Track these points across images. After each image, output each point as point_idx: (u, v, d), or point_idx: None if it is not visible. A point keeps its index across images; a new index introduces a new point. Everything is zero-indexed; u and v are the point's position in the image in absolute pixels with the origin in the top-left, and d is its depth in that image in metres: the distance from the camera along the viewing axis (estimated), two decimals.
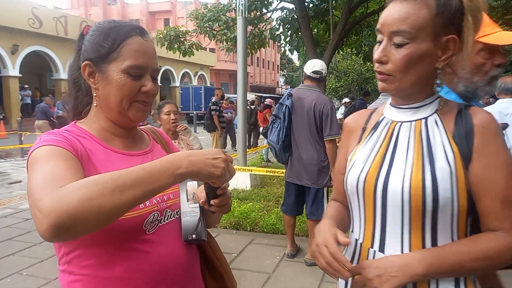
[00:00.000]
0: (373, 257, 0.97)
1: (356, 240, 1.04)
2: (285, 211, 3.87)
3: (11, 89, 17.76)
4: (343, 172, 1.10)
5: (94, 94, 1.01)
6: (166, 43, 9.50)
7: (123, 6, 38.68)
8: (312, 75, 3.67)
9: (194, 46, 9.86)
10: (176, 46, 9.63)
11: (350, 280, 1.02)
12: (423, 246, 0.93)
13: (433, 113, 0.98)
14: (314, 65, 3.70)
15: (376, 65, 0.97)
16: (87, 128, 1.02)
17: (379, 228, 0.98)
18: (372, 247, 0.99)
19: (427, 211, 0.90)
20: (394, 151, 0.99)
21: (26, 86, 18.76)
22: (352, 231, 1.09)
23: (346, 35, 8.84)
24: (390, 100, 1.08)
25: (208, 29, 9.70)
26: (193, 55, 10.19)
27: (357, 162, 1.04)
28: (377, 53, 0.96)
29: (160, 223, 1.00)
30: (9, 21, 16.38)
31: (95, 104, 1.02)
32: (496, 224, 0.90)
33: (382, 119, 1.07)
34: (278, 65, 59.07)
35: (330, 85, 24.91)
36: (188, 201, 1.05)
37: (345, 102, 12.21)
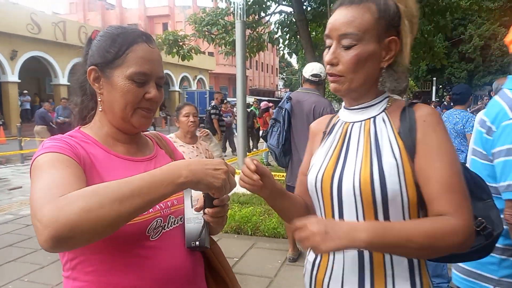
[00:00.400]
0: (334, 254, 1.04)
1: None
2: None
3: (10, 94, 17.76)
4: (306, 174, 1.17)
5: (99, 99, 1.01)
6: (164, 47, 9.50)
7: (121, 11, 38.77)
8: (311, 78, 3.67)
9: (193, 50, 9.87)
10: (175, 50, 9.64)
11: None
12: None
13: (381, 112, 1.06)
14: (313, 68, 3.70)
15: (328, 67, 1.03)
16: (91, 133, 1.03)
17: None
18: None
19: (377, 204, 0.96)
20: (347, 150, 1.06)
21: (26, 91, 18.76)
22: None
23: None
24: (344, 103, 1.15)
25: (206, 33, 9.71)
26: (192, 59, 10.20)
27: (315, 164, 1.11)
28: (328, 56, 1.02)
29: (164, 229, 1.00)
30: (8, 26, 16.40)
31: (100, 109, 1.02)
32: (440, 209, 0.92)
33: (337, 122, 1.16)
34: (277, 69, 59.16)
35: (329, 88, 24.97)
36: (192, 207, 1.05)
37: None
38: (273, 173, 4.58)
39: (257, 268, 3.73)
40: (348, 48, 0.98)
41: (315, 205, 1.13)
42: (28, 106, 19.11)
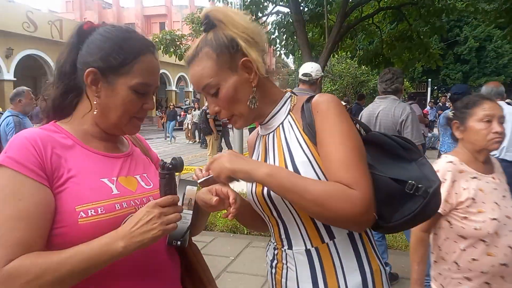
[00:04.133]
0: (286, 256, 1.08)
1: (273, 243, 1.16)
2: None
3: (6, 93, 17.64)
4: None
5: (95, 102, 0.98)
6: (162, 47, 9.51)
7: (118, 10, 38.65)
8: (302, 78, 3.68)
9: None
10: (172, 49, 9.64)
11: None
12: (320, 235, 1.02)
13: (286, 115, 1.10)
14: (304, 67, 3.71)
15: (219, 115, 1.08)
16: (68, 128, 0.99)
17: (282, 229, 1.08)
18: (283, 247, 1.09)
19: None
20: (268, 160, 1.10)
21: None
22: (270, 240, 1.20)
23: (341, 39, 8.90)
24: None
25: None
26: None
27: None
28: (210, 109, 1.09)
29: None
30: (3, 25, 16.31)
31: (95, 113, 0.99)
32: (339, 179, 0.94)
33: (258, 136, 1.22)
34: (273, 69, 59.14)
35: (325, 88, 25.01)
36: (183, 205, 1.03)
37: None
38: None
39: (252, 267, 3.74)
40: (215, 95, 1.03)
41: (263, 217, 1.17)
42: None
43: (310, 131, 1.03)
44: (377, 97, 3.41)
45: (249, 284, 3.41)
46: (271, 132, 1.13)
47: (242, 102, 1.04)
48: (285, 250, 1.08)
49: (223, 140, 11.98)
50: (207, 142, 9.65)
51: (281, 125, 1.10)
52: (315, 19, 8.98)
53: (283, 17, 9.39)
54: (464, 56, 29.42)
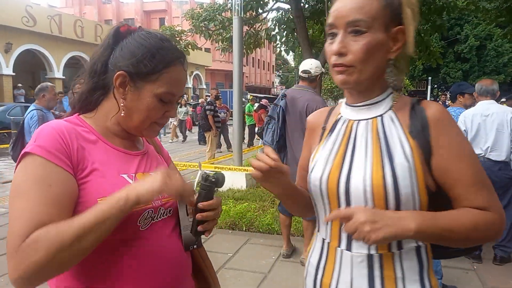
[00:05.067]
0: (341, 257, 0.99)
1: (323, 239, 1.06)
2: (281, 211, 3.88)
3: (5, 88, 17.60)
4: (306, 169, 1.13)
5: (122, 104, 1.01)
6: None
7: (118, 5, 38.50)
8: (301, 75, 3.69)
9: (189, 46, 9.85)
10: None
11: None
12: (388, 243, 0.95)
13: (388, 110, 1.01)
14: (303, 64, 3.71)
15: (334, 58, 0.96)
16: (91, 123, 1.02)
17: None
18: (339, 246, 1.00)
19: (389, 208, 0.92)
20: (353, 150, 1.00)
21: (20, 85, 18.60)
22: (318, 231, 1.11)
23: None
24: (345, 99, 1.10)
25: (203, 28, 9.69)
26: (188, 55, 10.11)
27: (318, 163, 1.05)
28: (335, 45, 0.95)
29: (153, 220, 1.01)
30: (2, 19, 16.23)
31: (122, 114, 1.01)
32: (471, 203, 0.93)
33: (339, 119, 1.09)
34: (273, 66, 59.10)
35: (325, 85, 24.97)
36: (188, 215, 1.07)
37: (341, 103, 12.23)
38: None
39: (251, 263, 3.74)
40: (358, 36, 0.92)
41: (318, 207, 1.08)
42: (22, 100, 18.96)
43: (421, 136, 0.94)
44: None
45: (248, 280, 3.41)
46: (363, 120, 1.02)
47: (372, 63, 0.94)
48: (341, 250, 0.99)
49: (221, 136, 12.00)
50: (206, 138, 9.64)
51: (380, 118, 1.00)
52: (315, 16, 8.93)
53: (283, 14, 9.35)
54: (465, 54, 29.40)
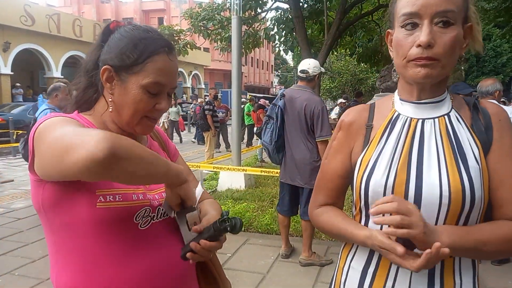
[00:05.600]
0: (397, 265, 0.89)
1: None
2: (280, 211, 3.88)
3: (3, 87, 17.55)
4: (344, 176, 1.05)
5: (110, 100, 1.00)
6: None
7: (116, 4, 38.44)
8: (300, 75, 3.69)
9: (188, 45, 9.84)
10: None
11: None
12: None
13: (451, 109, 0.96)
14: (302, 64, 3.71)
15: (417, 50, 0.87)
16: (90, 119, 1.02)
17: None
18: None
19: (464, 212, 0.88)
20: (420, 152, 0.93)
21: (18, 84, 18.55)
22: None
23: (340, 36, 8.88)
24: (395, 96, 1.03)
25: (202, 28, 9.68)
26: (187, 54, 10.17)
27: (379, 165, 0.95)
28: (424, 36, 0.86)
29: (153, 220, 1.00)
30: (0, 18, 16.18)
31: (110, 110, 1.00)
32: (511, 214, 0.89)
33: (397, 117, 1.00)
34: (272, 65, 59.08)
35: (324, 85, 25.00)
36: (190, 230, 1.02)
37: (340, 103, 12.26)
38: (267, 170, 4.58)
39: (249, 264, 3.74)
40: (446, 27, 0.86)
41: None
42: (20, 99, 18.91)
43: (484, 136, 0.92)
44: (375, 94, 3.40)
45: (247, 281, 3.41)
46: (429, 119, 0.95)
47: (454, 58, 0.90)
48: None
49: (220, 136, 11.98)
50: (205, 138, 9.63)
51: (446, 116, 0.95)
52: (314, 16, 8.94)
53: (282, 13, 9.35)
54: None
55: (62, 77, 19.72)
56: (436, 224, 0.89)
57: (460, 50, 0.91)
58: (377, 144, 0.99)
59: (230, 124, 7.53)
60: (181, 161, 1.26)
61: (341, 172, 1.06)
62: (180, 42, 9.80)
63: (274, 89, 55.13)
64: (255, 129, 10.85)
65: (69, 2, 39.29)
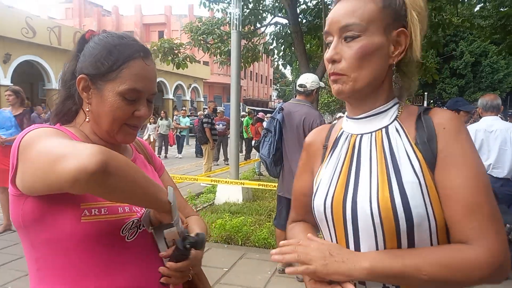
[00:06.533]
0: (355, 285, 0.82)
1: None
2: (277, 225, 3.85)
3: (2, 98, 17.53)
4: (308, 194, 1.03)
5: (87, 109, 0.98)
6: (160, 55, 9.53)
7: (117, 18, 38.84)
8: (298, 89, 3.72)
9: (188, 59, 9.90)
10: (170, 58, 9.66)
11: None
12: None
13: (393, 121, 0.91)
14: (300, 78, 3.75)
15: (329, 66, 0.90)
16: (73, 131, 1.00)
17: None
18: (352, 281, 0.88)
19: (401, 231, 0.81)
20: (357, 169, 0.90)
21: None
22: None
23: None
24: (346, 112, 1.02)
25: (202, 42, 9.76)
26: (186, 68, 10.23)
27: (321, 185, 0.95)
28: (328, 52, 0.89)
29: (139, 229, 0.97)
30: (2, 30, 16.29)
31: (87, 120, 0.99)
32: (460, 236, 0.79)
33: (341, 134, 1.00)
34: (271, 79, 59.46)
35: (322, 100, 25.15)
36: (168, 247, 0.99)
37: (339, 117, 12.31)
38: (265, 183, 4.57)
39: (246, 279, 3.69)
40: (351, 40, 0.86)
41: (324, 234, 0.98)
42: None
43: (427, 148, 0.84)
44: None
45: None
46: (366, 134, 0.92)
47: (368, 69, 0.86)
48: (355, 284, 0.82)
49: (221, 149, 11.97)
50: (203, 151, 9.61)
51: (384, 129, 0.90)
52: (313, 31, 9.03)
53: (281, 28, 9.45)
54: (460, 70, 29.76)
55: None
56: (377, 248, 0.84)
57: (383, 59, 0.87)
58: (325, 164, 0.99)
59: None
60: (166, 177, 1.23)
61: (305, 190, 1.06)
62: (180, 55, 9.87)
63: (273, 102, 55.35)
64: (253, 142, 10.85)
65: (71, 15, 39.69)
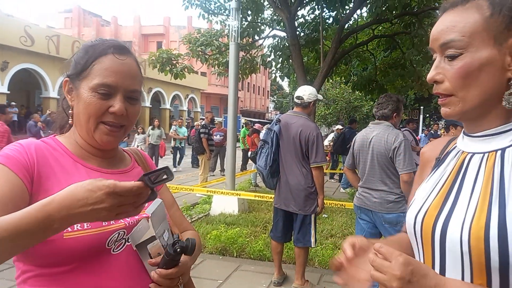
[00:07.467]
0: None
1: None
2: (273, 237, 3.83)
3: None
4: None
5: (70, 111, 1.01)
6: (158, 65, 9.57)
7: (116, 28, 39.05)
8: (295, 101, 3.74)
9: (186, 69, 9.95)
10: (168, 68, 9.70)
11: None
12: None
13: None
14: (298, 91, 3.77)
15: (434, 87, 0.84)
16: (65, 142, 1.01)
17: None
18: None
19: (492, 267, 0.71)
20: (459, 189, 0.82)
21: (13, 103, 18.55)
22: None
23: (335, 64, 9.04)
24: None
25: (200, 53, 9.82)
26: (184, 78, 10.27)
27: (417, 198, 0.89)
28: (430, 72, 0.83)
29: (128, 241, 0.96)
30: (0, 38, 16.35)
31: (70, 121, 1.02)
32: None
33: (453, 149, 0.91)
34: (268, 91, 59.75)
35: (319, 112, 25.27)
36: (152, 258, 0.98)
37: (337, 129, 12.36)
38: (261, 195, 4.57)
39: None
40: (452, 59, 0.79)
41: (413, 248, 0.90)
42: (15, 118, 18.86)
43: None
44: (371, 122, 3.44)
45: None
46: (479, 154, 0.83)
47: (476, 88, 0.78)
48: None
49: (218, 160, 11.92)
50: (199, 161, 9.59)
51: (500, 151, 0.79)
52: (310, 44, 9.13)
53: (279, 41, 9.54)
54: None
55: (59, 97, 19.75)
56: (462, 277, 0.76)
57: (497, 73, 0.77)
58: (428, 177, 0.93)
59: None
60: (165, 190, 1.22)
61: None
62: (178, 66, 9.92)
63: (270, 114, 55.53)
64: (249, 153, 10.84)
65: (70, 25, 39.87)
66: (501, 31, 0.76)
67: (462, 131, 0.92)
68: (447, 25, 0.80)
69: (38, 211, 0.71)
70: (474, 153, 0.84)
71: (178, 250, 0.90)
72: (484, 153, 0.82)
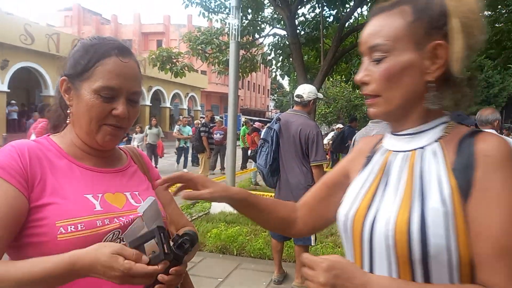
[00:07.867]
0: None
1: None
2: (273, 235, 3.83)
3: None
4: (328, 185, 1.05)
5: (69, 111, 1.00)
6: (158, 63, 9.57)
7: (116, 26, 39.02)
8: (295, 99, 3.74)
9: (186, 68, 9.95)
10: (168, 67, 9.71)
11: None
12: None
13: (432, 142, 0.84)
14: (298, 89, 3.77)
15: (362, 88, 0.88)
16: (59, 142, 1.00)
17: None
18: None
19: (415, 260, 0.75)
20: (385, 187, 0.86)
21: (13, 101, 18.55)
22: None
23: (336, 63, 9.04)
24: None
25: (200, 51, 9.82)
26: (184, 76, 10.27)
27: (348, 196, 0.93)
28: (358, 74, 0.88)
29: (123, 241, 0.93)
30: (0, 36, 16.33)
31: (68, 121, 1.01)
32: (486, 277, 0.71)
33: (380, 148, 0.95)
34: (268, 90, 59.74)
35: (319, 110, 25.27)
36: (150, 261, 0.97)
37: (337, 127, 12.36)
38: (261, 193, 4.55)
39: None
40: (378, 61, 0.83)
41: (346, 246, 0.93)
42: (15, 116, 18.86)
43: (464, 176, 0.76)
44: (370, 121, 3.44)
45: None
46: (402, 152, 0.87)
47: (399, 90, 0.82)
48: None
49: (218, 158, 11.91)
50: (199, 160, 9.60)
51: (420, 150, 0.84)
52: (311, 43, 9.13)
53: (279, 40, 9.54)
54: None
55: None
56: (389, 273, 0.79)
57: (417, 76, 0.81)
58: (359, 175, 0.96)
59: None
60: (161, 188, 1.21)
61: (328, 180, 1.08)
62: (178, 64, 9.92)
63: (270, 113, 55.54)
64: (249, 152, 10.85)
65: (69, 23, 39.85)
66: (422, 36, 0.80)
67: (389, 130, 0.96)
68: (375, 29, 0.84)
69: (64, 263, 0.78)
70: (398, 152, 0.88)
71: (186, 245, 0.89)
72: (406, 151, 0.87)
